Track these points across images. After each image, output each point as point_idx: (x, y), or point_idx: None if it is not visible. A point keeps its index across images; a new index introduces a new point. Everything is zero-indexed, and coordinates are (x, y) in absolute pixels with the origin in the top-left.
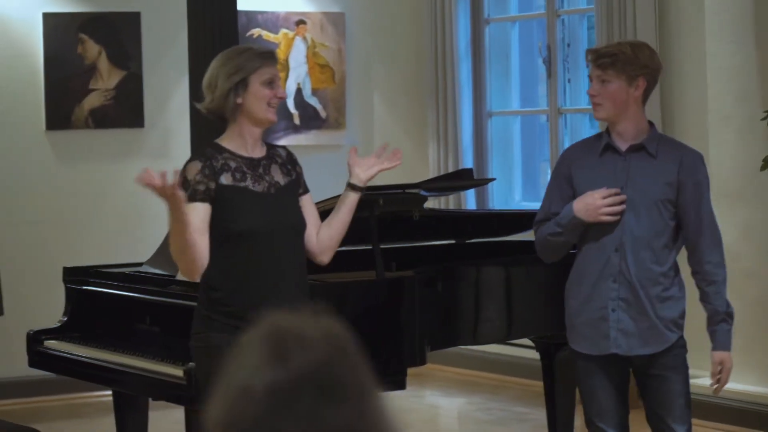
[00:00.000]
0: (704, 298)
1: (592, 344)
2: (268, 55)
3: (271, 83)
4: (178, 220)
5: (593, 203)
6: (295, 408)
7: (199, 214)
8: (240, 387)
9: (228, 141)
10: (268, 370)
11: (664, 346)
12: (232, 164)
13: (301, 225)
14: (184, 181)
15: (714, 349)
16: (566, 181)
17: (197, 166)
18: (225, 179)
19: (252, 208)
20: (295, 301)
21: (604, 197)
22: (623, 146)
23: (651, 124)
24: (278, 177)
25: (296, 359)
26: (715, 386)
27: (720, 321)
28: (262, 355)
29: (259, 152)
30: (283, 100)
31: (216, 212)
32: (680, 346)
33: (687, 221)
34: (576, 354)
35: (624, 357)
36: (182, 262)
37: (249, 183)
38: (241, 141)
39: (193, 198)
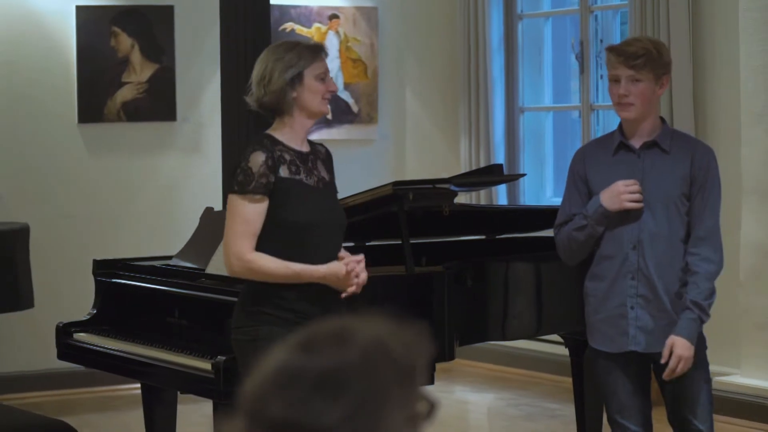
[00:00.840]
0: (685, 286)
1: (611, 342)
2: (319, 50)
3: (323, 77)
4: (318, 281)
5: (617, 190)
6: (288, 393)
7: (262, 209)
8: (262, 363)
9: (280, 133)
10: (289, 354)
11: None
12: (287, 157)
13: (345, 221)
14: (248, 173)
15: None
16: (582, 181)
17: (261, 157)
18: (283, 171)
19: (307, 201)
20: (335, 295)
21: (627, 185)
22: (637, 144)
23: (663, 120)
24: (323, 173)
25: (321, 354)
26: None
27: (685, 308)
28: (295, 342)
29: (305, 147)
30: (334, 93)
31: (273, 204)
32: (699, 341)
33: (690, 213)
34: (595, 352)
35: (643, 354)
36: (258, 278)
37: (303, 176)
38: (293, 134)
39: (256, 191)
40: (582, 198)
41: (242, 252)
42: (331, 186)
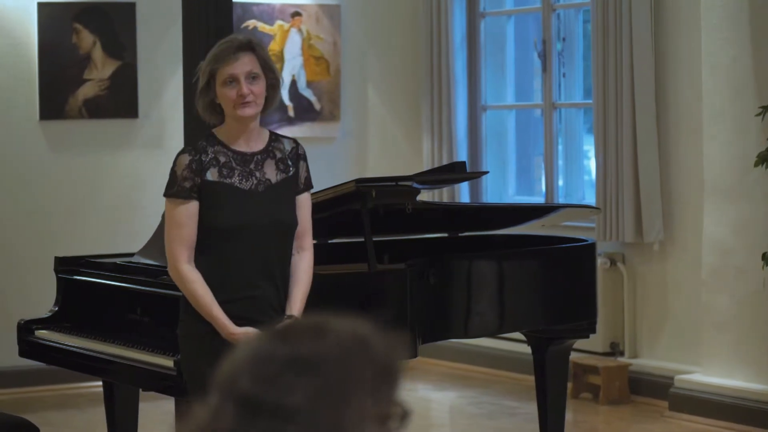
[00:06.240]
0: None
1: None
2: (226, 53)
3: (231, 82)
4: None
5: None
6: (258, 370)
7: (188, 211)
8: (238, 348)
9: (223, 133)
10: (266, 340)
11: None
12: (222, 159)
13: (290, 222)
14: (173, 176)
15: None
16: None
17: (185, 160)
18: (211, 175)
19: (234, 205)
20: (272, 298)
21: None
22: None
23: None
24: (271, 173)
25: (297, 342)
26: None
27: None
28: (274, 331)
29: (256, 145)
30: (246, 98)
31: (201, 207)
32: None
33: None
34: None
35: None
36: (182, 291)
37: (235, 179)
38: (231, 134)
39: (179, 195)
40: None
41: (177, 260)
42: (279, 187)
